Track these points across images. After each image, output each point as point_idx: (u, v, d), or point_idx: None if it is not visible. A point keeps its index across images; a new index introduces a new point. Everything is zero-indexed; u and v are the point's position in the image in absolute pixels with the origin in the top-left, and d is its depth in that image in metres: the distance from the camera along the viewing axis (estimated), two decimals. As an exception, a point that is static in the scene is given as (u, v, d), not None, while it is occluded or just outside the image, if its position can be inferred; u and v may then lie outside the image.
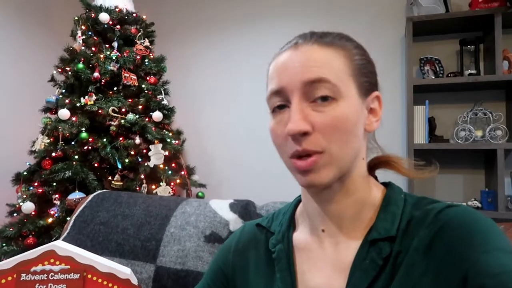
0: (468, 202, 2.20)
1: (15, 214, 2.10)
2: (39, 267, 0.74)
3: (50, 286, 0.73)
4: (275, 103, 0.55)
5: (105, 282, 0.76)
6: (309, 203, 0.60)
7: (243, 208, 1.11)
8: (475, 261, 0.44)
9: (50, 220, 1.98)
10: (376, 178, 0.64)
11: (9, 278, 0.71)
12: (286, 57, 0.55)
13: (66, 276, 0.74)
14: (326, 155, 0.51)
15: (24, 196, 2.03)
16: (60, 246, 0.76)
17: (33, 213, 2.01)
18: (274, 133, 0.56)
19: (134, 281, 0.77)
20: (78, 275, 0.75)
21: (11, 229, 1.97)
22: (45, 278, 0.73)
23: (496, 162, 2.04)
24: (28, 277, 0.72)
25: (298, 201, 0.68)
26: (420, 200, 0.57)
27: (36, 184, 2.07)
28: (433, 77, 2.31)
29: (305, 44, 0.54)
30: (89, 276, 0.75)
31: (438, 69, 2.32)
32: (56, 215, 1.98)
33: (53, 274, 0.74)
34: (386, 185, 0.61)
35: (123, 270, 0.79)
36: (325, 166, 0.51)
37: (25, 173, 2.11)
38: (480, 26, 2.28)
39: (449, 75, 2.27)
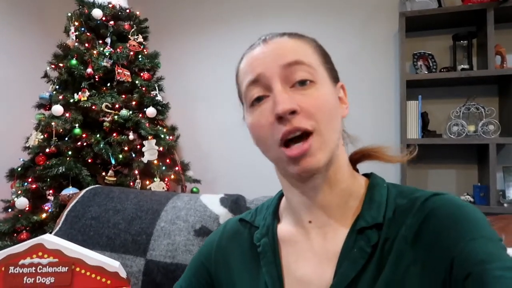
0: (461, 196, 2.21)
1: (9, 210, 2.10)
2: (27, 260, 0.74)
3: (38, 278, 0.73)
4: (254, 95, 0.55)
5: (93, 275, 0.76)
6: (293, 197, 0.60)
7: (233, 203, 1.12)
8: (461, 249, 0.45)
9: (44, 215, 1.99)
10: (357, 171, 0.64)
11: (-3, 271, 0.72)
12: (257, 50, 0.57)
13: (55, 269, 0.74)
14: (317, 136, 0.51)
15: (18, 192, 2.03)
16: (48, 239, 0.77)
17: (27, 208, 2.02)
18: (257, 125, 0.55)
19: (123, 274, 0.77)
20: (67, 268, 0.75)
21: (5, 225, 1.98)
22: (34, 271, 0.74)
23: (488, 157, 2.06)
24: (16, 270, 0.73)
25: (281, 194, 0.68)
26: (404, 189, 0.57)
27: (30, 179, 2.08)
28: (426, 72, 2.32)
29: (275, 37, 0.57)
30: (77, 269, 0.76)
31: (431, 64, 2.33)
32: (50, 210, 1.99)
33: (41, 267, 0.74)
34: (368, 176, 0.62)
35: (111, 263, 0.79)
36: (320, 148, 0.51)
37: (19, 169, 2.12)
38: (473, 21, 2.28)
39: (442, 70, 2.28)
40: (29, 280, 0.72)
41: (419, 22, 2.31)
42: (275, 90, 0.52)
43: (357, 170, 0.64)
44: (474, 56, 2.33)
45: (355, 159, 0.65)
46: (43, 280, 0.73)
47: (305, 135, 0.51)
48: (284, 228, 0.63)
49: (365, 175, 0.63)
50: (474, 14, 2.18)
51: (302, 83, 0.52)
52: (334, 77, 0.59)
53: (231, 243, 0.68)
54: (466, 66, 2.23)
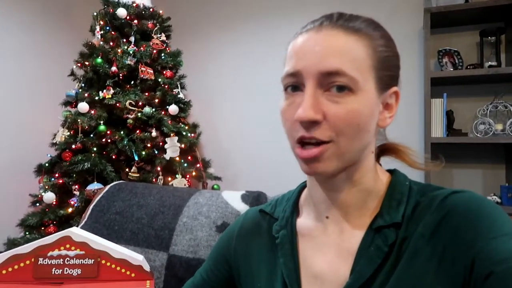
0: (487, 197, 2.15)
1: (37, 204, 2.17)
2: (55, 252, 0.76)
3: (66, 270, 0.75)
4: (289, 83, 0.53)
5: (118, 268, 0.78)
6: (315, 190, 0.60)
7: (255, 199, 1.13)
8: (482, 247, 0.44)
9: (70, 210, 2.04)
10: (380, 165, 0.63)
11: (27, 262, 0.74)
12: (307, 38, 0.52)
13: (81, 261, 0.76)
14: (333, 146, 0.50)
15: (46, 187, 2.10)
16: (76, 232, 0.78)
17: (54, 203, 2.08)
18: (284, 115, 0.54)
19: (146, 267, 0.79)
20: (93, 260, 0.77)
21: (33, 218, 2.04)
22: (61, 263, 0.76)
23: (516, 157, 2.00)
24: (45, 261, 0.75)
25: (302, 187, 0.68)
26: (425, 186, 0.56)
27: (57, 175, 2.14)
28: (451, 69, 2.27)
29: (329, 26, 0.52)
30: (103, 261, 0.77)
31: (457, 61, 2.27)
32: (76, 205, 2.04)
33: (68, 259, 0.76)
34: (391, 172, 0.61)
35: (135, 257, 0.81)
36: (330, 157, 0.51)
37: (46, 164, 2.19)
38: (501, 16, 2.21)
39: (469, 67, 2.22)
40: (57, 272, 0.74)
41: (445, 18, 2.26)
42: (306, 91, 0.50)
43: (379, 164, 0.63)
44: (503, 52, 2.26)
45: (379, 151, 0.63)
46: (71, 271, 0.75)
47: (321, 142, 0.50)
48: (303, 221, 0.63)
49: (389, 171, 0.62)
50: (503, 9, 2.11)
51: (340, 89, 0.49)
52: (386, 83, 0.54)
53: (250, 234, 0.69)
54: (494, 63, 2.17)
